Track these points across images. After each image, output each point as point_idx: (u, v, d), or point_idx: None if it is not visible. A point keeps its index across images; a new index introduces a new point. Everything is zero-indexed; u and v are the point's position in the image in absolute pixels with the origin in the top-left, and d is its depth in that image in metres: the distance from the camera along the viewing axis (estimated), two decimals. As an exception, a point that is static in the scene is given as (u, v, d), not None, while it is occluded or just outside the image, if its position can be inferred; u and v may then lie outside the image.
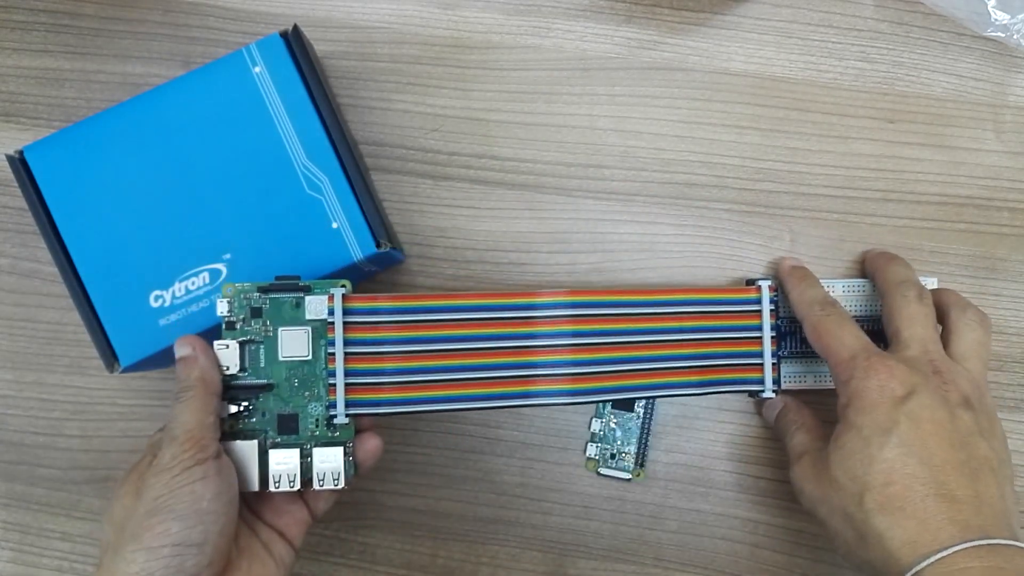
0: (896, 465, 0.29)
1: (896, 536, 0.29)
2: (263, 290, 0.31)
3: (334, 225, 0.33)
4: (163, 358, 0.34)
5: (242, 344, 0.31)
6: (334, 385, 0.31)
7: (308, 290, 0.31)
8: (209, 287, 0.32)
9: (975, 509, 0.29)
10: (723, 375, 0.35)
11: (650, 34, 0.39)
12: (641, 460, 0.38)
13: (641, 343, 0.34)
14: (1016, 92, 0.39)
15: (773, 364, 0.35)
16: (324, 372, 0.31)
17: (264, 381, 0.31)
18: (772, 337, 0.35)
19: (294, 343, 0.31)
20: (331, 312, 0.31)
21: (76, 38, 0.38)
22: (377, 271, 0.37)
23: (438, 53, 0.38)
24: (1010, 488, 0.31)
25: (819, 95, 0.39)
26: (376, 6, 0.38)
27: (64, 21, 0.38)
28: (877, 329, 0.35)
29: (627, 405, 0.38)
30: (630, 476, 0.38)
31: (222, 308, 0.31)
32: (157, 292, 0.32)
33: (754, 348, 0.35)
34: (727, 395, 0.38)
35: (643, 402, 0.38)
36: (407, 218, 0.38)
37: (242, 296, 0.31)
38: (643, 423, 0.38)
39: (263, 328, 0.31)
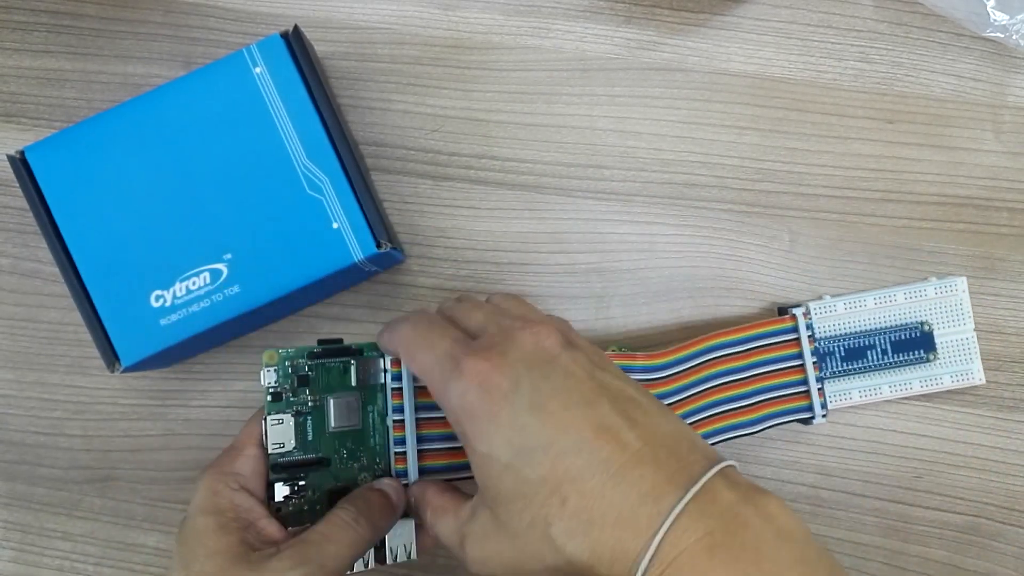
0: (556, 472, 0.25)
1: (600, 556, 0.24)
2: (312, 356, 0.30)
3: (334, 225, 0.33)
4: (164, 358, 0.34)
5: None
6: (402, 454, 0.31)
7: (359, 353, 0.31)
8: (210, 287, 0.32)
9: (653, 462, 0.25)
10: (773, 408, 0.35)
11: (649, 35, 0.39)
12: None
13: (690, 397, 0.35)
14: (1015, 92, 0.39)
15: (819, 389, 0.35)
16: (376, 439, 0.31)
17: (315, 456, 0.30)
18: (813, 363, 0.35)
19: (344, 412, 0.30)
20: (396, 377, 0.30)
21: (77, 39, 0.38)
22: (377, 271, 0.37)
23: (438, 54, 0.39)
24: (660, 407, 0.27)
25: (818, 95, 0.39)
26: (376, 7, 0.39)
27: (65, 22, 0.38)
28: (909, 338, 0.36)
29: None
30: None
31: (268, 378, 0.30)
32: (158, 292, 0.32)
33: (797, 376, 0.36)
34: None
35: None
36: (407, 218, 0.38)
37: (287, 363, 0.30)
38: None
39: (311, 398, 0.30)
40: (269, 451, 0.30)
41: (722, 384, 0.35)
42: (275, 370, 0.30)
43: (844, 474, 0.38)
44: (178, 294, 0.32)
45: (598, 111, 0.39)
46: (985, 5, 0.37)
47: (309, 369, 0.30)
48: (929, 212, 0.39)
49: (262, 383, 0.30)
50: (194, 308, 0.32)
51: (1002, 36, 0.37)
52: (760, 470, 0.38)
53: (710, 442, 0.34)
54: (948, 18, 0.38)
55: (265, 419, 0.30)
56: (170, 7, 0.38)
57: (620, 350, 0.35)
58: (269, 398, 0.30)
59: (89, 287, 0.32)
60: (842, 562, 0.37)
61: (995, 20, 0.37)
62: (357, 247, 0.33)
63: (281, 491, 0.30)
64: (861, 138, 0.39)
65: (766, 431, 0.35)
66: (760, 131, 0.39)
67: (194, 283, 0.32)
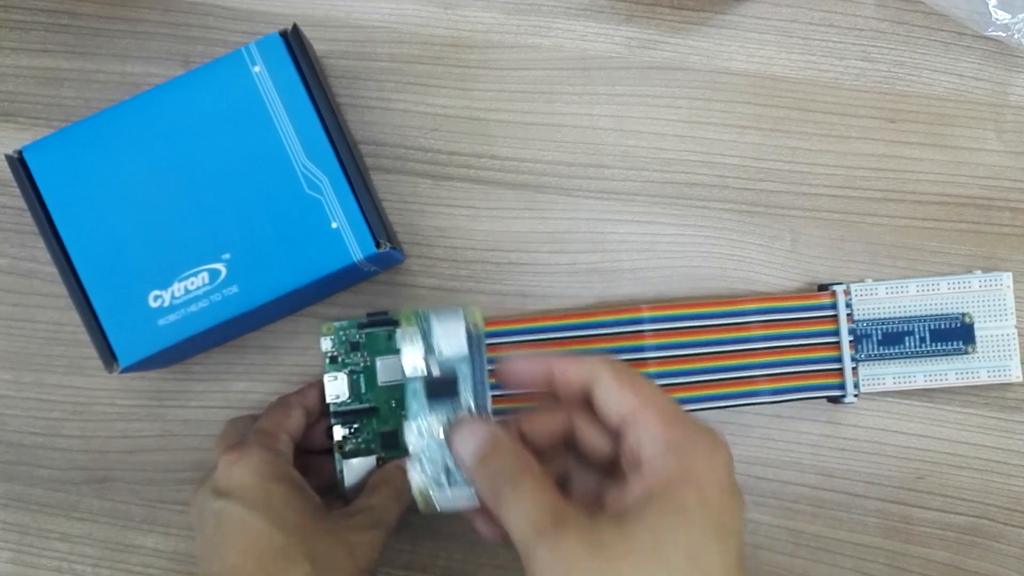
0: None
1: None
2: (360, 326, 0.36)
3: (334, 225, 0.32)
4: (162, 358, 0.34)
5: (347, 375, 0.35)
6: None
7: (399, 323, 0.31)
8: (208, 287, 0.32)
9: None
10: (799, 382, 0.36)
11: (650, 33, 0.39)
12: None
13: (716, 354, 0.36)
14: (1017, 92, 0.39)
15: (853, 368, 0.35)
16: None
17: (367, 405, 0.35)
18: (850, 341, 0.36)
19: (389, 370, 0.35)
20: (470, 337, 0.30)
21: (75, 37, 0.38)
22: (377, 271, 0.37)
23: (438, 52, 0.38)
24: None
25: (820, 95, 0.39)
26: (376, 5, 0.38)
27: (63, 20, 0.38)
28: (949, 328, 0.36)
29: (450, 394, 0.29)
30: (476, 500, 0.28)
31: (326, 345, 0.35)
32: (156, 292, 0.32)
33: (832, 353, 0.36)
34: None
35: (470, 387, 0.30)
36: (407, 218, 0.38)
37: (341, 333, 0.35)
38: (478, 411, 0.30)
39: (362, 359, 0.36)
40: (328, 402, 0.35)
41: (751, 349, 0.36)
42: (331, 338, 0.36)
43: (846, 475, 0.38)
44: (176, 294, 0.32)
45: (599, 110, 0.38)
46: (987, 4, 0.36)
47: (359, 336, 0.36)
48: (931, 212, 0.38)
49: (321, 349, 0.35)
50: (192, 308, 0.32)
51: (1004, 35, 0.37)
52: (761, 471, 0.38)
53: (732, 404, 0.35)
54: (950, 17, 0.38)
55: (324, 377, 0.35)
56: (168, 6, 0.38)
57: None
58: (327, 360, 0.35)
59: (87, 287, 0.32)
60: (844, 563, 0.37)
61: (997, 19, 0.37)
62: (356, 247, 0.32)
63: (340, 431, 0.35)
64: (863, 137, 0.39)
65: (781, 408, 0.36)
66: (761, 130, 0.38)
67: (192, 283, 0.32)
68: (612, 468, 0.28)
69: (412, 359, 0.29)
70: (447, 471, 0.29)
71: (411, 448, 0.29)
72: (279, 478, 0.31)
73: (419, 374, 0.29)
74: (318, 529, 0.31)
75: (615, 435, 0.27)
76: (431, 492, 0.29)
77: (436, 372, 0.29)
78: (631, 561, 0.23)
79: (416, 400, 0.29)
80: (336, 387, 0.35)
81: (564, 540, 0.24)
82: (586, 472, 0.29)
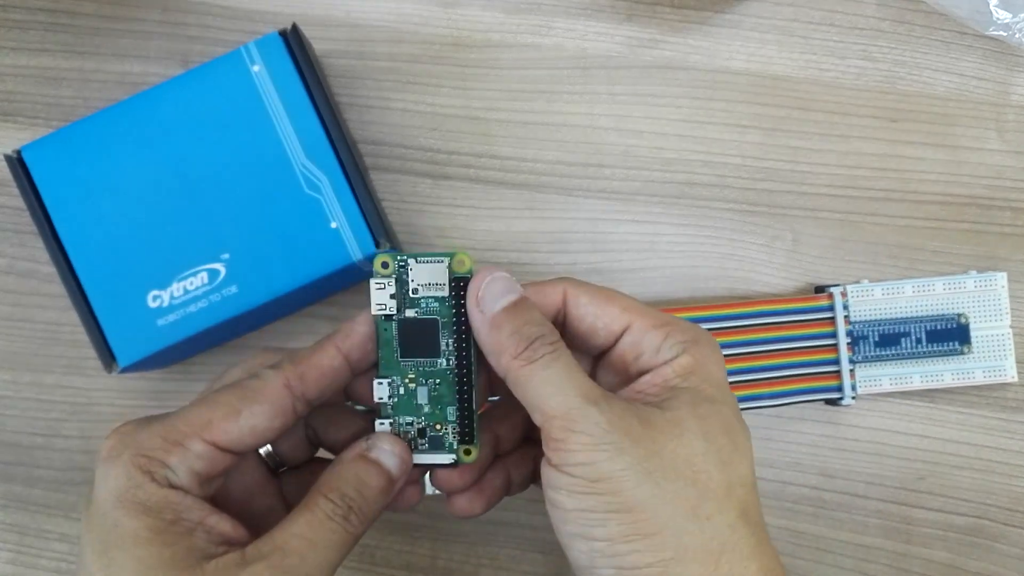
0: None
1: None
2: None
3: (333, 225, 0.32)
4: (162, 358, 0.34)
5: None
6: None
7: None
8: (207, 287, 0.32)
9: None
10: (800, 384, 0.36)
11: (651, 33, 0.39)
12: (469, 431, 0.28)
13: None
14: (1019, 91, 0.39)
15: (851, 370, 0.36)
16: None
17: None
18: (848, 344, 0.35)
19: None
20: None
21: (74, 37, 0.38)
22: (376, 271, 0.37)
23: (437, 52, 0.38)
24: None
25: (821, 94, 0.39)
26: (375, 4, 0.38)
27: (62, 20, 0.38)
28: (945, 328, 0.36)
29: (429, 346, 0.27)
30: (455, 458, 0.28)
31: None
32: (155, 292, 0.32)
33: (829, 355, 0.36)
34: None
35: (451, 337, 0.27)
36: (406, 217, 0.38)
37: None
38: (459, 373, 0.27)
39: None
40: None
41: (749, 353, 0.35)
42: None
43: (846, 475, 0.38)
44: (175, 294, 0.32)
45: (599, 109, 0.38)
46: (988, 4, 0.36)
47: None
48: (932, 211, 0.38)
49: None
50: (192, 308, 0.32)
51: (1005, 35, 0.37)
52: (762, 471, 0.38)
53: None
54: (951, 16, 0.38)
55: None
56: (168, 5, 0.38)
57: None
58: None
59: (86, 287, 0.32)
60: (844, 564, 0.37)
61: (998, 19, 0.36)
62: (356, 247, 0.32)
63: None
64: (864, 137, 0.38)
65: (781, 411, 0.36)
66: (762, 130, 0.38)
67: (191, 283, 0.32)
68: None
69: (383, 301, 0.27)
70: (422, 433, 0.28)
71: (380, 404, 0.27)
72: (131, 508, 0.23)
73: (392, 318, 0.27)
74: None
75: (588, 355, 0.28)
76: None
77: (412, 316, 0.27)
78: (681, 439, 0.24)
79: (388, 349, 0.27)
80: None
81: (616, 409, 0.24)
82: None
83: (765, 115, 0.38)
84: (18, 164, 0.32)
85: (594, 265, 0.38)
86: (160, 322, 0.32)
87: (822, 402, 0.37)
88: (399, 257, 0.28)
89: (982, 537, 0.37)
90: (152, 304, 0.32)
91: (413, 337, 0.27)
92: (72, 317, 0.36)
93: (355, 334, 0.27)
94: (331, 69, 0.38)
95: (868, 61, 0.39)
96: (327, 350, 0.26)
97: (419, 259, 0.27)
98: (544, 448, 0.24)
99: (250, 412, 0.25)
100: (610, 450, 0.23)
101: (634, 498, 0.23)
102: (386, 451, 0.27)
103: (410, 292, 0.27)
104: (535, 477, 0.30)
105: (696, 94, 0.38)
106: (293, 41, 0.33)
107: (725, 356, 0.34)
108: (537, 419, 0.24)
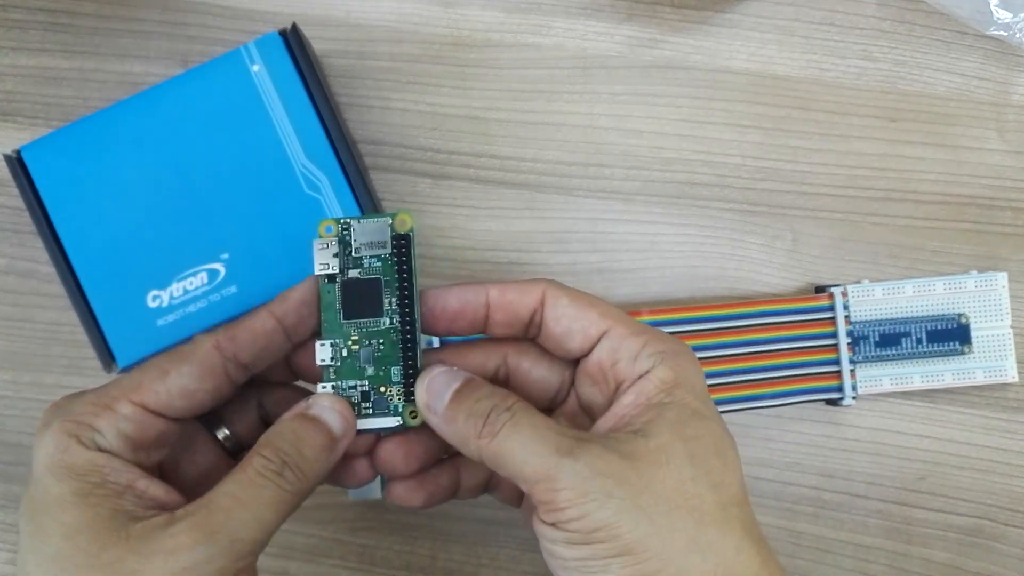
0: None
1: None
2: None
3: (333, 225, 0.32)
4: (161, 358, 0.34)
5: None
6: None
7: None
8: (207, 287, 0.32)
9: None
10: (799, 385, 0.36)
11: (651, 32, 0.39)
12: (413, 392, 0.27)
13: (713, 359, 0.35)
14: (1019, 91, 0.39)
15: (851, 371, 0.35)
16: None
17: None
18: (848, 344, 0.35)
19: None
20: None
21: (74, 37, 0.38)
22: (376, 271, 0.37)
23: (437, 51, 0.38)
24: None
25: (821, 94, 0.39)
26: (375, 4, 0.38)
27: (62, 20, 0.38)
28: (945, 328, 0.36)
29: (371, 306, 0.27)
30: (400, 420, 0.27)
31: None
32: (155, 292, 0.32)
33: (830, 355, 0.36)
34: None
35: (395, 295, 0.27)
36: (407, 218, 0.38)
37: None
38: (403, 332, 0.27)
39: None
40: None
41: (749, 353, 0.35)
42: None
43: (847, 476, 0.38)
44: (175, 294, 0.32)
45: (599, 109, 0.38)
46: (988, 3, 0.36)
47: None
48: (932, 211, 0.38)
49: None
50: (191, 308, 0.32)
51: (1006, 34, 0.37)
52: (762, 471, 0.38)
53: (731, 409, 0.35)
54: (951, 16, 0.38)
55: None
56: (167, 5, 0.38)
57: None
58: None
59: (85, 287, 0.32)
60: (844, 564, 0.37)
61: (998, 18, 0.36)
62: (356, 247, 0.32)
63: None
64: (864, 137, 0.38)
65: (781, 412, 0.36)
66: (762, 129, 0.38)
67: (191, 283, 0.32)
68: (551, 404, 0.28)
69: (325, 260, 0.27)
70: (366, 397, 0.27)
71: (322, 367, 0.27)
72: (57, 472, 0.23)
73: (336, 278, 0.27)
74: (90, 565, 0.22)
75: (563, 361, 0.27)
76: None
77: (354, 276, 0.27)
78: (668, 467, 0.23)
79: (331, 312, 0.27)
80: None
81: (594, 453, 0.23)
82: None
83: (765, 115, 0.38)
84: (18, 164, 0.32)
85: (594, 265, 0.38)
86: (160, 322, 0.32)
87: (822, 402, 0.37)
88: (342, 220, 0.28)
89: (982, 537, 0.37)
90: (152, 304, 0.32)
91: (356, 298, 0.27)
92: (72, 317, 0.36)
93: (290, 299, 0.27)
94: (331, 69, 0.38)
95: (868, 61, 0.39)
96: (259, 313, 0.26)
97: (361, 220, 0.27)
98: (537, 509, 0.24)
99: (178, 372, 0.25)
100: (599, 497, 0.22)
101: (633, 539, 0.22)
102: (326, 407, 0.26)
103: (353, 252, 0.27)
104: (488, 487, 0.30)
105: (696, 94, 0.38)
106: (293, 41, 0.33)
107: (725, 356, 0.34)
108: (524, 488, 0.24)
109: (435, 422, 0.25)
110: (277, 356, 0.27)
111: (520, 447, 0.23)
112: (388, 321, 0.27)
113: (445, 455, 0.29)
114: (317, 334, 0.27)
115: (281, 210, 0.32)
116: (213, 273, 0.32)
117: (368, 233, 0.27)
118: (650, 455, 0.23)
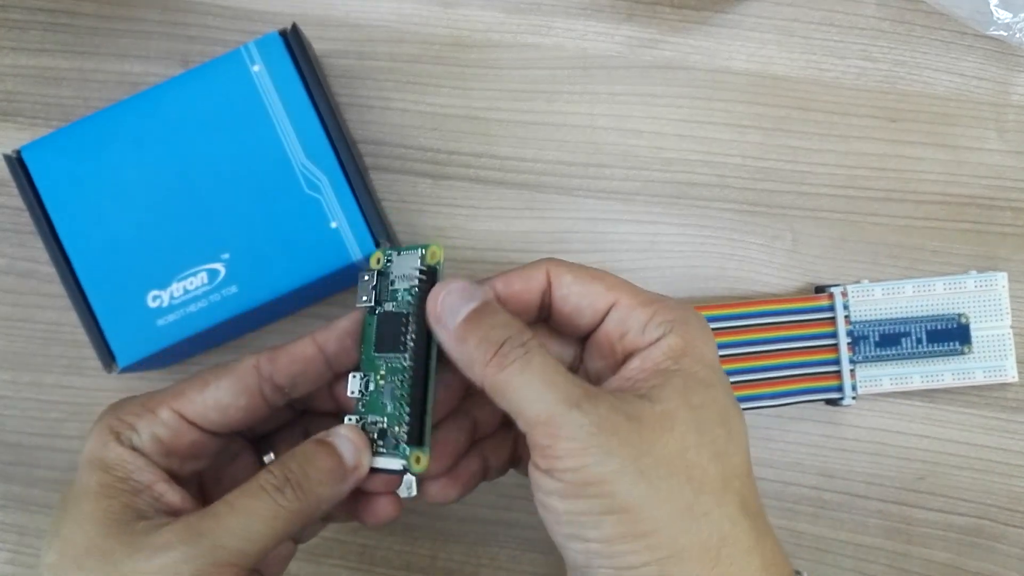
0: None
1: None
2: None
3: (333, 225, 0.32)
4: (161, 358, 0.34)
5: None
6: None
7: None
8: (207, 287, 0.32)
9: None
10: (799, 385, 0.36)
11: (651, 33, 0.39)
12: (418, 431, 0.26)
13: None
14: (1019, 91, 0.39)
15: (851, 371, 0.36)
16: None
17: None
18: (848, 344, 0.35)
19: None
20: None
21: (74, 37, 0.38)
22: (376, 271, 0.37)
23: (437, 52, 0.38)
24: None
25: (821, 94, 0.39)
26: (375, 4, 0.38)
27: (62, 20, 0.38)
28: (945, 328, 0.36)
29: (396, 341, 0.26)
30: (404, 463, 0.26)
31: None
32: (155, 292, 0.32)
33: (829, 355, 0.36)
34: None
35: (413, 331, 0.26)
36: (406, 217, 0.38)
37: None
38: (412, 372, 0.26)
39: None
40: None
41: (749, 353, 0.35)
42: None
43: (847, 475, 0.38)
44: (175, 294, 0.32)
45: (599, 109, 0.38)
46: (988, 3, 0.36)
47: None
48: (932, 211, 0.38)
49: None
50: (191, 308, 0.32)
51: (1005, 35, 0.37)
52: (762, 471, 0.38)
53: None
54: (951, 16, 0.38)
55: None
56: (167, 5, 0.38)
57: None
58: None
59: (86, 287, 0.32)
60: (844, 564, 0.37)
61: (998, 18, 0.36)
62: (356, 246, 0.32)
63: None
64: (864, 137, 0.38)
65: (782, 412, 0.36)
66: (762, 130, 0.38)
67: (191, 283, 0.32)
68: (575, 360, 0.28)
69: (364, 294, 0.27)
70: (382, 435, 0.26)
71: (353, 399, 0.27)
72: (92, 464, 0.25)
73: (374, 310, 0.27)
74: (88, 552, 0.23)
75: (573, 337, 0.27)
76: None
77: (388, 309, 0.26)
78: (672, 432, 0.23)
79: (367, 344, 0.26)
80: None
81: (600, 410, 0.23)
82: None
83: (765, 115, 0.38)
84: (18, 164, 0.32)
85: (594, 265, 0.38)
86: (160, 322, 0.32)
87: (822, 402, 0.37)
88: (388, 251, 0.27)
89: (982, 537, 0.37)
90: (152, 304, 0.32)
91: (387, 331, 0.26)
92: (72, 317, 0.36)
93: (334, 327, 0.27)
94: (331, 69, 0.38)
95: (868, 61, 0.39)
96: (303, 338, 0.27)
97: (400, 252, 0.27)
98: (531, 453, 0.24)
99: (216, 385, 0.26)
100: (599, 453, 0.22)
101: (628, 499, 0.22)
102: (341, 435, 0.26)
103: (391, 285, 0.27)
104: (514, 461, 0.30)
105: (696, 94, 0.38)
106: (293, 41, 0.33)
107: (725, 357, 0.34)
108: (521, 425, 0.24)
109: (443, 337, 0.25)
110: (317, 383, 0.27)
111: (527, 386, 0.23)
112: (405, 357, 0.26)
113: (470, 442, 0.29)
114: (356, 366, 0.27)
115: (281, 210, 0.32)
116: (213, 273, 0.32)
117: (402, 265, 0.27)
118: (655, 419, 0.23)
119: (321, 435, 0.26)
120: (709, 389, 0.24)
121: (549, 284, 0.26)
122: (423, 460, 0.26)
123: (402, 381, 0.26)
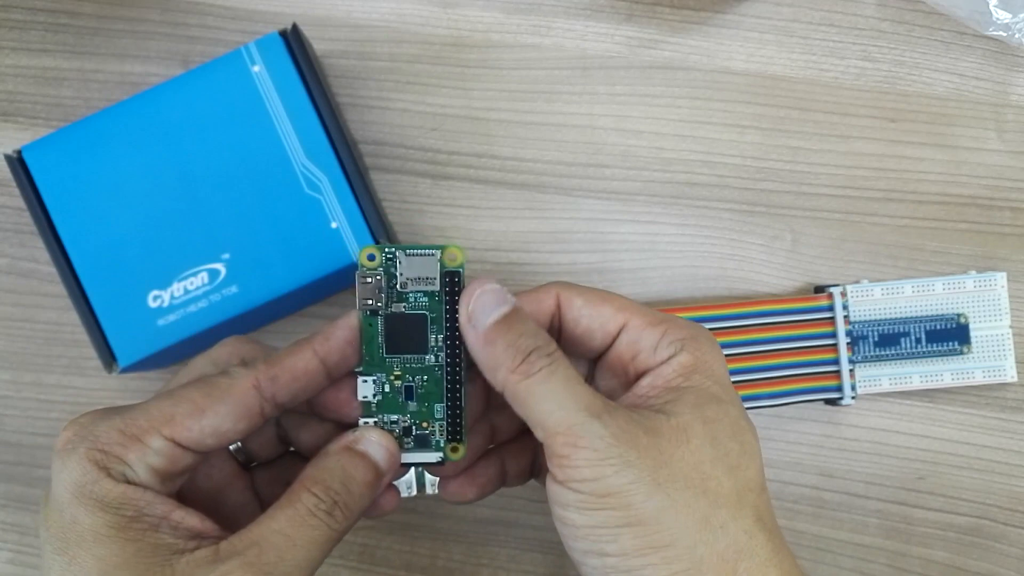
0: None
1: None
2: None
3: (333, 225, 0.32)
4: (162, 358, 0.34)
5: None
6: None
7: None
8: (208, 287, 0.32)
9: None
10: (798, 385, 0.36)
11: (651, 33, 0.39)
12: (457, 429, 0.27)
13: None
14: (1018, 91, 0.39)
15: (850, 370, 0.36)
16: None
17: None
18: (847, 344, 0.36)
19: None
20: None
21: (75, 37, 0.38)
22: (377, 271, 0.37)
23: (438, 52, 0.38)
24: None
25: (820, 94, 0.39)
26: (375, 5, 0.38)
27: (63, 20, 0.38)
28: (944, 328, 0.36)
29: (417, 342, 0.27)
30: (442, 456, 0.27)
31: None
32: (156, 292, 0.32)
33: (829, 355, 0.36)
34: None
35: (441, 332, 0.27)
36: (407, 217, 0.38)
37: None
38: (448, 370, 0.27)
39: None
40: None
41: (749, 353, 0.36)
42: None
43: (846, 475, 0.38)
44: (176, 294, 0.32)
45: (599, 110, 0.38)
46: (987, 4, 0.36)
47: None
48: (932, 211, 0.38)
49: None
50: (192, 308, 0.32)
51: (1005, 35, 0.37)
52: (762, 471, 0.38)
53: None
54: (950, 17, 0.38)
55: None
56: (168, 5, 0.38)
57: None
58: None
59: (86, 287, 0.32)
60: (844, 564, 0.37)
61: (998, 19, 0.36)
62: (356, 247, 0.32)
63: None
64: (863, 137, 0.38)
65: (781, 411, 0.36)
66: (762, 130, 0.38)
67: (192, 283, 0.32)
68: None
69: (370, 296, 0.26)
70: (408, 431, 0.27)
71: (364, 403, 0.27)
72: (89, 504, 0.22)
73: (379, 313, 0.26)
74: None
75: (583, 359, 0.28)
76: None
77: (401, 311, 0.26)
78: (688, 445, 0.23)
79: (373, 346, 0.27)
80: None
81: (620, 423, 0.23)
82: None
83: (765, 115, 0.38)
84: (18, 164, 0.32)
85: (594, 265, 0.38)
86: (160, 322, 0.32)
87: (822, 402, 0.37)
88: (387, 249, 0.27)
89: (982, 537, 0.37)
90: (152, 304, 0.32)
91: (400, 333, 0.27)
92: (72, 317, 0.37)
93: (335, 338, 0.26)
94: (331, 69, 0.38)
95: (868, 61, 0.39)
96: (304, 352, 0.25)
97: (408, 252, 0.27)
98: (548, 464, 0.24)
99: (215, 412, 0.24)
100: (617, 464, 0.22)
101: (645, 511, 0.22)
102: (374, 443, 0.26)
103: (398, 286, 0.27)
104: (533, 470, 0.30)
105: (696, 94, 0.38)
106: (293, 41, 0.33)
107: (725, 356, 0.34)
108: (539, 435, 0.24)
109: (471, 337, 0.25)
110: (315, 393, 0.27)
111: (551, 395, 0.23)
112: (433, 358, 0.27)
113: (491, 446, 0.30)
114: (356, 368, 0.27)
115: (281, 210, 0.32)
116: (214, 273, 0.32)
117: (416, 268, 0.27)
118: (671, 432, 0.23)
119: (348, 442, 0.25)
120: (721, 404, 0.25)
121: (559, 307, 0.27)
122: (460, 449, 0.27)
123: (427, 380, 0.27)
